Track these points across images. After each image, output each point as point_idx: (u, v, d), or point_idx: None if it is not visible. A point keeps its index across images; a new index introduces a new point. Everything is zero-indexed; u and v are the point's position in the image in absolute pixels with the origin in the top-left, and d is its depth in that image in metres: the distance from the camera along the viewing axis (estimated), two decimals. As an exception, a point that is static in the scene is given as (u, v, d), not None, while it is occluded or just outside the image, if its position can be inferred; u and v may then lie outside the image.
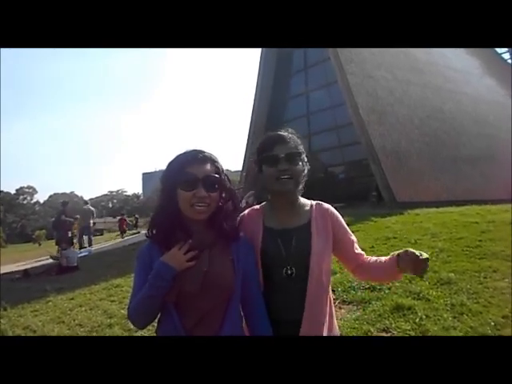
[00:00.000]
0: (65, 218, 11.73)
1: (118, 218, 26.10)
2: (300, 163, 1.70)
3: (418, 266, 1.60)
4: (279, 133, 1.74)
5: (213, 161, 1.56)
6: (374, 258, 1.78)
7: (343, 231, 1.78)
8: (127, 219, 24.29)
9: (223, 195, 1.57)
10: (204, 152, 1.56)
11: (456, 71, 17.62)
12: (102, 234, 29.08)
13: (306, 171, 1.75)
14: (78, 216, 12.24)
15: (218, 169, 1.56)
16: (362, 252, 1.82)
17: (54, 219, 12.80)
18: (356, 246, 1.81)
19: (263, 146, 1.73)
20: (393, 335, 3.54)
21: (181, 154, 1.55)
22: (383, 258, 1.73)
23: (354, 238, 1.82)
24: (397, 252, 1.66)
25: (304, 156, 1.74)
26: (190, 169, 1.49)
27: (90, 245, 14.15)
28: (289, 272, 1.65)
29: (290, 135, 1.73)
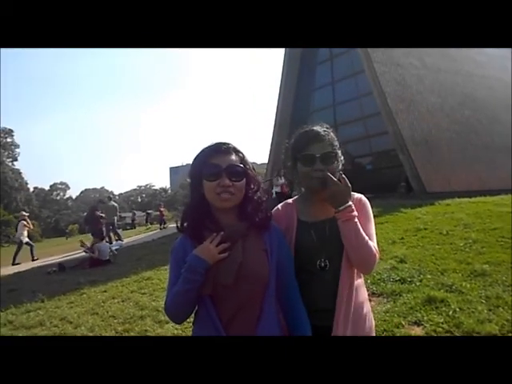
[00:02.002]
0: (97, 214, 12.12)
1: (158, 208, 25.84)
2: (335, 162, 1.69)
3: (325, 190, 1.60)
4: (315, 129, 1.71)
5: (237, 151, 1.57)
6: None
7: (365, 228, 1.69)
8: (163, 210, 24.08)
9: (251, 186, 1.57)
10: (228, 143, 1.57)
11: (489, 56, 16.94)
12: (131, 228, 29.63)
13: (340, 167, 1.73)
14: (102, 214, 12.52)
15: (242, 159, 1.57)
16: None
17: (86, 214, 13.19)
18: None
19: (299, 143, 1.71)
20: (425, 328, 3.48)
21: (205, 148, 1.58)
22: None
23: (372, 232, 1.73)
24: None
25: (339, 153, 1.72)
26: (214, 160, 1.51)
27: (120, 239, 14.48)
28: (322, 264, 1.67)
29: (325, 132, 1.70)
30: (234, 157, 1.55)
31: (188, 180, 1.62)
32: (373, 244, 1.68)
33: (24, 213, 15.09)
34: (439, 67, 14.99)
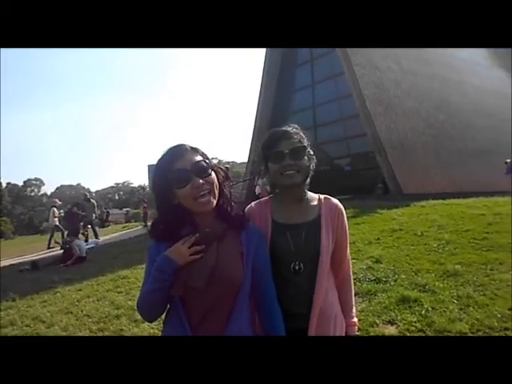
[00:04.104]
0: (76, 211, 11.98)
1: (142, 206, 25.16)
2: (305, 157, 1.70)
3: None
4: (283, 128, 1.74)
5: (195, 149, 1.53)
6: (340, 293, 1.84)
7: (341, 239, 1.77)
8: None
9: (219, 180, 1.54)
10: (183, 144, 1.52)
11: (463, 61, 17.43)
12: (109, 225, 28.97)
13: (312, 165, 1.75)
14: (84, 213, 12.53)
15: (202, 155, 1.52)
16: (346, 272, 1.87)
17: (66, 210, 13.21)
18: (343, 260, 1.83)
19: (268, 142, 1.74)
20: (398, 327, 3.55)
21: (162, 156, 1.51)
22: (342, 305, 1.83)
23: (347, 242, 1.83)
24: (348, 322, 1.83)
25: (309, 150, 1.74)
26: (177, 165, 1.46)
27: (97, 237, 14.26)
28: (296, 268, 1.67)
29: (294, 130, 1.73)
30: (195, 155, 1.50)
31: (152, 192, 1.55)
32: (349, 269, 1.89)
33: (56, 200, 15.76)
34: (416, 71, 15.32)
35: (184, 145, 1.52)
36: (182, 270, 1.43)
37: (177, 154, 1.48)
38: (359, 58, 13.98)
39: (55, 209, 14.55)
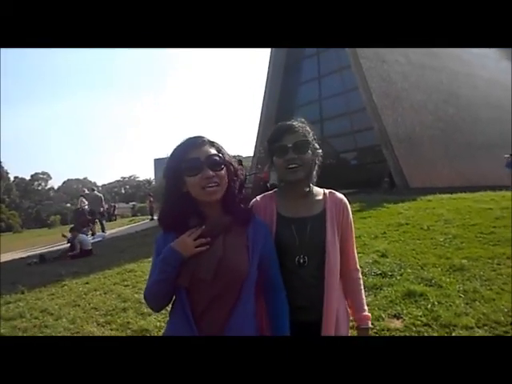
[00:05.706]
0: (86, 213, 12.21)
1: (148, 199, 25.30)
2: (309, 152, 1.71)
3: None
4: (289, 123, 1.75)
5: (212, 142, 1.57)
6: (348, 288, 1.83)
7: (347, 233, 1.78)
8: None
9: (232, 176, 1.57)
10: (202, 136, 1.57)
11: (472, 54, 17.19)
12: (115, 219, 29.07)
13: (316, 159, 1.76)
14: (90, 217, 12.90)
15: (218, 149, 1.57)
16: (353, 266, 1.85)
17: (76, 208, 13.48)
18: (349, 254, 1.81)
19: (273, 136, 1.75)
20: (404, 321, 3.55)
21: (179, 144, 1.56)
22: (352, 299, 1.83)
23: (353, 237, 1.82)
24: (360, 316, 1.81)
25: (314, 144, 1.74)
26: (192, 154, 1.50)
27: (103, 230, 14.36)
28: (301, 261, 1.68)
29: (299, 124, 1.74)
30: (210, 148, 1.54)
31: (164, 179, 1.59)
32: (356, 263, 1.85)
33: (85, 189, 16.25)
34: (424, 64, 15.15)
35: (202, 137, 1.57)
36: (190, 262, 1.45)
37: (194, 143, 1.54)
38: (366, 51, 13.84)
39: (83, 198, 14.90)
